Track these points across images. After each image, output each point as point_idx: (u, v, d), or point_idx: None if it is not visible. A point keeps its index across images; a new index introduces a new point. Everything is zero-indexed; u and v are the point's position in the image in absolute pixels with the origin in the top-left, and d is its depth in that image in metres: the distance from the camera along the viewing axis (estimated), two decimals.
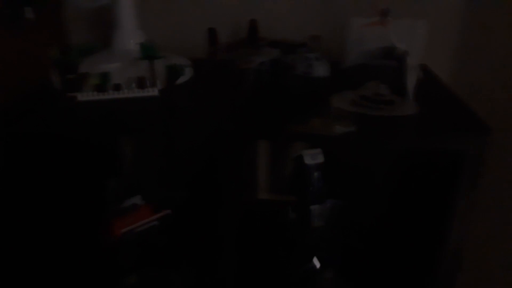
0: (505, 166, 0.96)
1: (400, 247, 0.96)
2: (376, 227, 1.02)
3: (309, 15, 1.02)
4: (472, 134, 0.69)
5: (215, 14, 1.02)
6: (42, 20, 0.94)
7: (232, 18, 1.01)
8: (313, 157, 0.96)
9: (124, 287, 0.94)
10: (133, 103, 0.76)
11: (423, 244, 0.85)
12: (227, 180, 0.76)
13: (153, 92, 0.77)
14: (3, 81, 0.80)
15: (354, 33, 0.90)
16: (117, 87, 0.76)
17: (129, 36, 0.86)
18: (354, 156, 1.01)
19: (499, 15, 0.95)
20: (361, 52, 0.89)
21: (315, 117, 0.71)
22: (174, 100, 0.78)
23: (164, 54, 0.81)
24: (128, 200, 0.95)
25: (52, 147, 0.83)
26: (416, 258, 0.88)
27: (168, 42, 0.95)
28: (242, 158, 0.91)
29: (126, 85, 0.77)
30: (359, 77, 0.83)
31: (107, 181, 0.96)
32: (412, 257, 0.90)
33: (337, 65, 0.87)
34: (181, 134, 0.79)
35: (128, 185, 1.00)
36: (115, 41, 0.87)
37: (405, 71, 0.79)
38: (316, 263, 0.94)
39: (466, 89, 0.90)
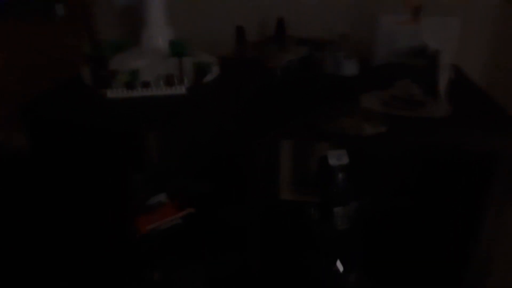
0: None
1: (428, 249, 0.93)
2: (404, 229, 0.99)
3: (337, 12, 1.01)
4: (507, 136, 0.66)
5: (242, 12, 1.01)
6: (73, 17, 0.96)
7: (260, 16, 1.00)
8: (338, 158, 0.94)
9: (149, 281, 0.94)
10: (161, 101, 0.76)
11: (453, 246, 0.83)
12: (251, 179, 0.76)
13: (181, 90, 0.77)
14: (36, 75, 0.81)
15: (384, 31, 0.88)
16: (146, 85, 0.76)
17: (158, 33, 0.87)
18: (384, 157, 0.99)
19: None
20: (391, 51, 0.88)
21: (345, 117, 0.69)
22: (200, 98, 0.78)
23: (192, 51, 0.81)
24: (153, 197, 0.95)
25: (80, 141, 0.84)
26: (444, 262, 0.86)
27: (196, 39, 0.96)
28: (266, 157, 0.90)
29: (155, 82, 0.77)
30: (389, 76, 0.81)
31: (133, 177, 0.97)
32: (440, 261, 0.88)
33: (366, 63, 0.86)
34: (206, 132, 0.79)
35: (154, 181, 1.00)
36: (144, 38, 0.87)
37: (437, 71, 0.77)
38: (340, 266, 0.92)
39: (500, 91, 0.88)
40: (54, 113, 0.76)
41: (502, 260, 0.83)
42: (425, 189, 1.00)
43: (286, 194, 1.24)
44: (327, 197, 0.97)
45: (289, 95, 0.79)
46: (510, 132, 0.68)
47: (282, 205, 1.20)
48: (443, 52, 0.79)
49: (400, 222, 1.01)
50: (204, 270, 0.94)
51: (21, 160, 0.90)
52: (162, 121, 0.75)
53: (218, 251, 0.96)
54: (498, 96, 0.81)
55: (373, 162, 1.00)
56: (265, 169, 0.95)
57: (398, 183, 1.05)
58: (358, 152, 0.91)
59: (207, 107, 0.77)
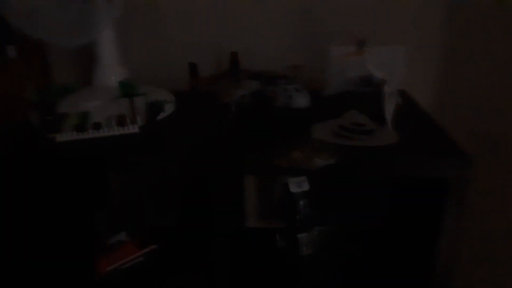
0: (489, 190, 0.96)
1: (391, 272, 0.95)
2: (366, 252, 1.01)
3: (288, 45, 1.04)
4: (454, 161, 0.69)
5: (196, 47, 1.03)
6: (25, 58, 0.95)
7: (214, 50, 1.02)
8: (298, 185, 0.96)
9: None
10: (114, 141, 0.75)
11: (413, 269, 0.85)
12: (215, 211, 0.76)
13: (133, 129, 0.77)
14: None
15: (334, 62, 0.91)
16: (97, 126, 0.75)
17: (110, 72, 0.86)
18: (339, 185, 1.01)
19: (480, 40, 0.97)
20: (341, 81, 0.90)
21: (296, 149, 0.71)
22: (154, 136, 0.78)
23: (146, 89, 0.81)
24: (113, 237, 0.94)
25: (33, 182, 0.83)
26: (409, 281, 0.87)
27: (150, 75, 0.96)
28: (229, 188, 0.90)
29: (106, 123, 0.76)
30: (339, 106, 0.84)
31: (92, 216, 0.95)
32: (404, 281, 0.89)
33: (317, 94, 0.88)
34: (164, 167, 0.78)
35: (115, 219, 0.99)
36: (96, 78, 0.87)
37: (382, 98, 0.79)
38: None
39: (447, 115, 0.91)
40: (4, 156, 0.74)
41: (461, 279, 0.85)
42: (388, 212, 1.02)
43: (253, 222, 1.24)
44: (291, 224, 0.98)
45: (243, 130, 0.80)
46: (457, 159, 0.70)
47: (249, 233, 1.19)
48: (388, 80, 0.82)
49: (366, 244, 1.02)
50: None
51: None
52: (116, 160, 0.74)
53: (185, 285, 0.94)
54: (446, 120, 0.84)
55: (333, 188, 1.02)
56: (230, 200, 0.95)
57: (361, 207, 1.07)
58: (319, 180, 0.92)
59: (163, 144, 0.77)
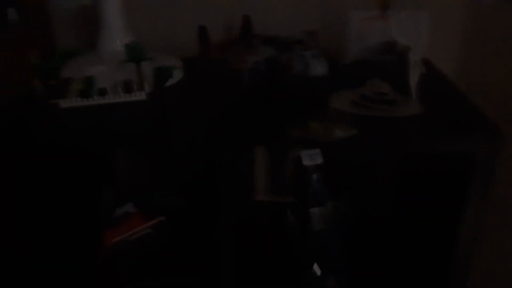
0: None
1: (406, 253, 0.92)
2: (381, 231, 0.98)
3: (305, 9, 0.98)
4: (482, 136, 0.64)
5: (206, 10, 0.97)
6: (26, 21, 0.90)
7: (224, 14, 0.97)
8: (311, 158, 0.91)
9: None
10: (120, 108, 0.71)
11: (431, 250, 0.82)
12: (224, 184, 0.72)
13: (141, 96, 0.73)
14: None
15: (353, 27, 0.86)
16: (102, 92, 0.71)
17: (115, 36, 0.82)
18: (357, 159, 0.97)
19: (507, 6, 0.91)
20: (360, 48, 0.85)
21: (314, 121, 0.66)
22: (163, 104, 0.74)
23: (152, 54, 0.76)
24: (119, 208, 0.91)
25: (37, 156, 0.80)
26: (424, 265, 0.84)
27: (158, 41, 0.92)
28: (239, 161, 0.87)
29: (112, 89, 0.72)
30: (359, 75, 0.79)
31: (99, 190, 0.93)
32: (419, 264, 0.87)
33: (335, 62, 0.83)
34: (172, 139, 0.75)
35: (121, 193, 0.96)
36: (101, 42, 0.82)
37: (407, 67, 0.74)
38: (317, 270, 0.90)
39: (472, 85, 0.86)
40: (7, 127, 0.71)
41: (481, 263, 0.82)
42: (401, 190, 0.99)
43: (262, 196, 1.21)
44: (303, 198, 0.95)
45: (257, 99, 0.76)
46: (485, 132, 0.66)
47: (257, 207, 1.17)
48: (413, 48, 0.77)
49: (379, 224, 1.00)
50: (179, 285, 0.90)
51: None
52: (123, 130, 0.71)
53: (193, 260, 0.92)
54: (470, 90, 0.79)
55: (350, 162, 0.98)
56: (239, 173, 0.92)
57: (375, 184, 1.03)
58: (334, 153, 0.88)
59: (171, 113, 0.73)
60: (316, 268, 0.91)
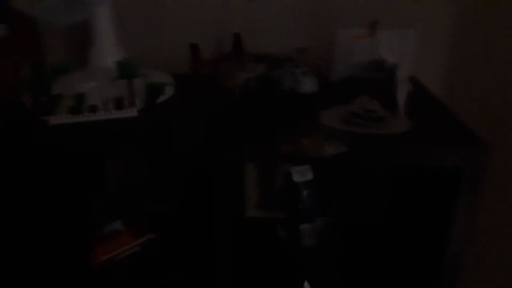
0: (502, 180, 0.94)
1: (398, 265, 0.92)
2: (372, 244, 0.98)
3: (295, 26, 0.99)
4: (469, 150, 0.66)
5: (197, 28, 0.98)
6: (17, 37, 0.90)
7: (216, 31, 0.98)
8: (301, 174, 0.92)
9: None
10: (111, 125, 0.71)
11: (422, 262, 0.82)
12: (215, 200, 0.72)
13: (132, 112, 0.73)
14: None
15: (342, 45, 0.87)
16: (93, 109, 0.71)
17: (107, 53, 0.82)
18: (347, 175, 0.98)
19: (493, 23, 0.93)
20: (349, 65, 0.86)
21: (304, 137, 0.67)
22: (154, 120, 0.73)
23: (144, 70, 0.77)
24: (108, 226, 0.90)
25: (27, 168, 0.79)
26: (414, 279, 0.84)
27: (149, 57, 0.91)
28: (229, 176, 0.87)
29: (103, 106, 0.72)
30: (348, 91, 0.80)
31: (89, 204, 0.92)
32: (410, 278, 0.87)
33: (325, 79, 0.84)
34: (163, 154, 0.75)
35: (111, 207, 0.95)
36: (92, 58, 0.82)
37: (395, 84, 0.76)
38: (307, 287, 0.90)
39: (459, 101, 0.88)
40: None
41: (471, 275, 0.83)
42: (393, 204, 0.99)
43: (253, 212, 1.21)
44: (293, 214, 0.95)
45: (248, 116, 0.76)
46: (473, 146, 0.67)
47: (248, 223, 1.16)
48: (401, 65, 0.78)
49: (370, 237, 1.00)
50: None
51: None
52: (113, 145, 0.70)
53: (184, 277, 0.91)
54: (457, 105, 0.81)
55: (340, 177, 0.99)
56: (230, 189, 0.91)
57: (366, 198, 1.04)
58: (323, 169, 0.89)
59: (162, 128, 0.73)
60: (306, 285, 0.90)
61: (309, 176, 0.92)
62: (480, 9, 0.95)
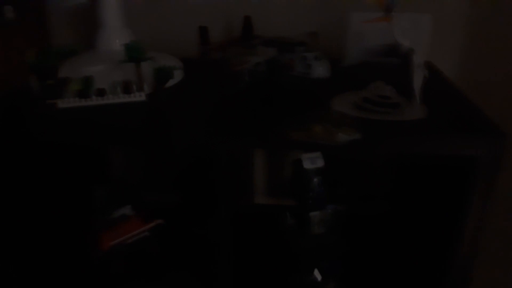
0: None
1: (407, 255, 0.91)
2: (383, 233, 0.97)
3: (306, 10, 0.97)
4: (486, 138, 0.63)
5: (207, 11, 0.96)
6: (24, 20, 0.89)
7: (225, 14, 0.95)
8: (312, 161, 0.90)
9: None
10: (119, 109, 0.70)
11: (432, 253, 0.81)
12: (222, 185, 0.71)
13: (140, 97, 0.71)
14: None
15: (354, 29, 0.85)
16: (101, 92, 0.70)
17: (114, 36, 0.80)
18: (359, 162, 0.96)
19: (509, 6, 0.90)
20: (362, 50, 0.84)
21: (316, 123, 0.65)
22: (163, 105, 0.72)
23: (152, 54, 0.75)
24: (117, 211, 0.90)
25: (33, 155, 0.78)
26: (424, 268, 0.83)
27: (158, 40, 0.90)
28: (238, 162, 0.86)
29: (111, 89, 0.71)
30: (361, 77, 0.78)
31: (94, 190, 0.91)
32: (419, 267, 0.86)
33: (336, 63, 0.82)
34: (171, 139, 0.73)
35: (117, 193, 0.95)
36: (99, 41, 0.81)
37: (411, 70, 0.73)
38: (318, 275, 0.89)
39: (475, 88, 0.85)
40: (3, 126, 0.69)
41: (483, 268, 0.82)
42: (404, 193, 0.98)
43: (261, 199, 1.20)
44: (303, 201, 0.94)
45: (258, 100, 0.75)
46: (489, 134, 0.65)
47: (256, 210, 1.16)
48: (416, 50, 0.76)
49: (379, 227, 0.99)
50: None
51: None
52: (122, 132, 0.69)
53: (190, 262, 0.91)
54: (473, 92, 0.78)
55: (350, 165, 0.97)
56: (238, 175, 0.90)
57: (376, 186, 1.02)
58: (334, 156, 0.87)
59: (171, 114, 0.72)
60: (316, 273, 0.89)
61: (320, 163, 0.90)
62: None
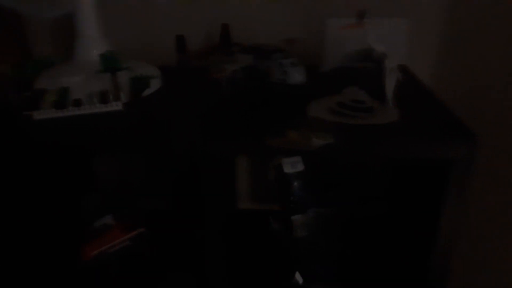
0: (491, 171, 0.93)
1: (388, 256, 0.92)
2: (363, 234, 0.98)
3: (283, 17, 0.98)
4: (458, 141, 0.65)
5: (185, 19, 0.97)
6: (1, 31, 0.88)
7: (203, 22, 0.96)
8: (292, 165, 0.91)
9: None
10: (96, 119, 0.70)
11: (412, 253, 0.82)
12: (204, 192, 0.72)
13: (117, 106, 0.72)
14: None
15: (331, 35, 0.86)
16: (77, 103, 0.70)
17: (92, 46, 0.80)
18: (336, 166, 0.97)
19: (483, 12, 0.92)
20: (339, 55, 0.85)
21: (292, 129, 0.66)
22: (139, 114, 0.72)
23: (130, 63, 0.75)
24: (98, 220, 0.89)
25: (10, 167, 0.78)
26: (405, 268, 0.84)
27: (136, 49, 0.91)
28: (220, 169, 0.86)
29: (88, 100, 0.71)
30: (337, 82, 0.79)
31: (75, 200, 0.91)
32: (402, 266, 0.87)
33: (314, 69, 0.83)
34: (152, 148, 0.74)
35: (99, 203, 0.95)
36: (77, 52, 0.81)
37: (383, 74, 0.75)
38: (299, 278, 0.90)
39: (448, 91, 0.87)
40: None
41: (461, 264, 0.83)
42: (383, 196, 0.99)
43: (245, 204, 1.20)
44: (285, 205, 0.95)
45: (236, 108, 0.75)
46: (462, 137, 0.66)
47: (241, 215, 1.16)
48: (389, 55, 0.77)
49: (361, 228, 1.00)
50: None
51: None
52: (99, 140, 0.69)
53: (176, 269, 0.91)
54: (447, 95, 0.80)
55: (331, 168, 0.98)
56: (221, 181, 0.91)
57: (357, 189, 1.04)
58: (315, 160, 0.88)
59: (149, 122, 0.72)
60: (298, 276, 0.90)
61: (300, 167, 0.91)
62: None
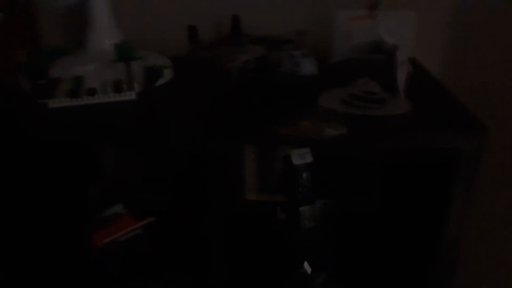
0: (500, 163, 0.94)
1: (395, 248, 0.93)
2: (369, 227, 0.99)
3: (294, 8, 0.98)
4: (468, 132, 0.66)
5: (196, 10, 0.97)
6: (13, 20, 0.89)
7: (214, 13, 0.96)
8: (301, 156, 0.92)
9: None
10: (109, 108, 0.71)
11: (418, 244, 0.83)
12: (213, 182, 0.72)
13: (130, 95, 0.72)
14: None
15: (341, 26, 0.86)
16: (92, 92, 0.71)
17: (104, 35, 0.81)
18: (346, 156, 0.98)
19: (492, 4, 0.92)
20: (349, 47, 0.86)
21: (304, 119, 0.67)
22: (153, 103, 0.73)
23: (142, 53, 0.76)
24: (109, 209, 0.91)
25: (24, 155, 0.79)
26: (411, 260, 0.85)
27: (147, 40, 0.91)
28: (228, 159, 0.87)
29: (101, 89, 0.72)
30: (347, 73, 0.80)
31: (86, 189, 0.92)
32: (407, 259, 0.88)
33: (324, 61, 0.84)
34: (162, 138, 0.75)
35: (109, 192, 0.95)
36: (89, 41, 0.81)
37: (395, 66, 0.75)
38: (307, 268, 0.91)
39: (458, 83, 0.88)
40: None
41: (467, 256, 0.84)
42: (393, 188, 1.00)
43: (252, 195, 1.21)
44: (293, 197, 0.96)
45: (246, 98, 0.76)
46: (471, 128, 0.67)
47: (248, 206, 1.17)
48: (400, 47, 0.77)
49: (370, 222, 1.01)
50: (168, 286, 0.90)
51: None
52: (113, 129, 0.70)
53: (183, 259, 0.92)
54: (456, 87, 0.81)
55: (339, 160, 0.99)
56: (229, 172, 0.92)
57: (364, 181, 1.04)
58: (323, 151, 0.89)
59: (161, 112, 0.73)
60: (306, 266, 0.91)
61: (309, 158, 0.92)
62: None
